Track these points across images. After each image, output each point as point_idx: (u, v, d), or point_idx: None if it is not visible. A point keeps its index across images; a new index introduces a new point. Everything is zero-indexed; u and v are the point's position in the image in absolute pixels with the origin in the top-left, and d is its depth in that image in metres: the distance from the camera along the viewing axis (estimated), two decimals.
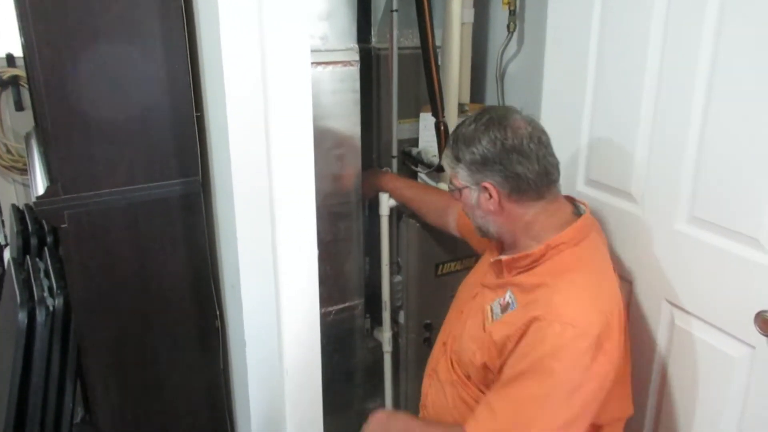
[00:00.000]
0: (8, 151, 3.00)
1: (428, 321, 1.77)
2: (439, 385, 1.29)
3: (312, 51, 1.16)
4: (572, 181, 1.44)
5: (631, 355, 1.34)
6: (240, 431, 1.66)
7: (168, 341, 1.53)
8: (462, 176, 1.16)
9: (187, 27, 1.33)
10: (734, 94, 1.04)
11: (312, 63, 1.16)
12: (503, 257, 1.18)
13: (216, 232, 1.49)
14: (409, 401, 1.82)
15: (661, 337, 1.26)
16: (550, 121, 1.51)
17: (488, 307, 1.19)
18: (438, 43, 1.62)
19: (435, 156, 1.71)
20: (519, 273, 1.16)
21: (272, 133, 1.16)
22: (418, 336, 1.78)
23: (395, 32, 1.63)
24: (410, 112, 1.77)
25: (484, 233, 1.22)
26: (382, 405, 1.87)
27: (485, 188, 1.13)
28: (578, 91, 1.39)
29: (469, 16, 1.67)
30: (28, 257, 1.83)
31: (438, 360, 1.32)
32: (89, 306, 1.42)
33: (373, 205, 1.74)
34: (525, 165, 1.09)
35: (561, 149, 1.48)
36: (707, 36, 1.07)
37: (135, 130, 1.35)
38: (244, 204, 1.21)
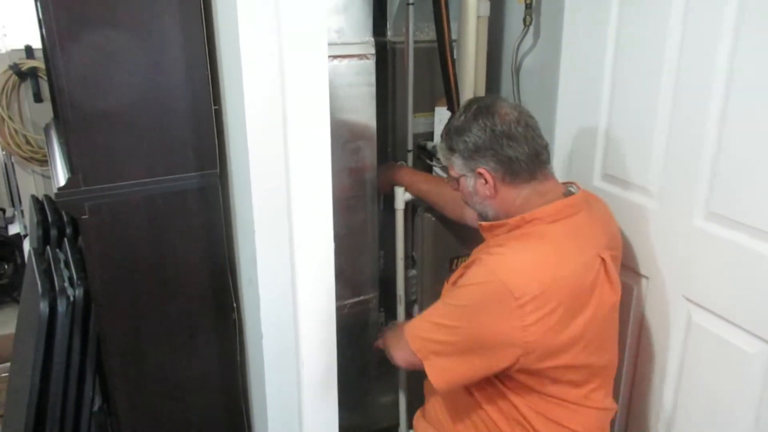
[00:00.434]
0: (27, 143, 3.04)
1: None
2: None
3: (328, 44, 1.16)
4: (588, 176, 1.43)
5: (647, 351, 1.34)
6: (256, 423, 1.67)
7: (185, 333, 1.55)
8: (458, 166, 1.22)
9: (206, 20, 1.34)
10: (753, 90, 1.03)
11: (328, 56, 1.17)
12: (484, 223, 1.24)
13: (233, 225, 1.50)
14: (422, 395, 1.82)
15: (677, 333, 1.25)
16: (566, 115, 1.51)
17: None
18: (454, 36, 1.62)
19: None
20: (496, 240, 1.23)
21: (290, 127, 1.16)
22: None
23: (411, 25, 1.62)
24: (426, 106, 1.77)
25: (484, 218, 1.27)
26: (396, 398, 1.88)
27: (480, 174, 1.18)
28: (595, 86, 1.38)
29: (485, 9, 1.66)
30: (48, 248, 1.85)
31: None
32: (108, 296, 1.44)
33: (388, 199, 1.75)
34: (515, 148, 1.15)
35: (577, 144, 1.48)
36: (727, 31, 1.07)
37: (154, 123, 1.36)
38: (262, 197, 1.21)
